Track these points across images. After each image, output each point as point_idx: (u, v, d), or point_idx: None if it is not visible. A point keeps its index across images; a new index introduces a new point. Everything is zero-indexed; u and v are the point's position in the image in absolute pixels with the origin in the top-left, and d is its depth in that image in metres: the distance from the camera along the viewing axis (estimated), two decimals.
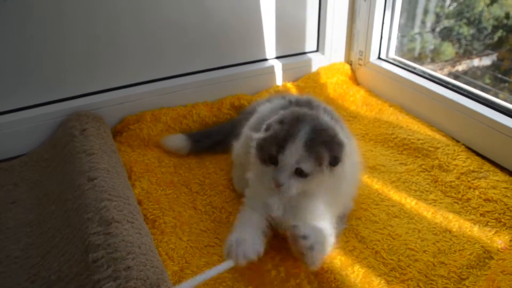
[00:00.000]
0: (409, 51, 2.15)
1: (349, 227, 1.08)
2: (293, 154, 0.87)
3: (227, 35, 1.50)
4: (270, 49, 1.60)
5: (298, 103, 1.14)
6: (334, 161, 0.90)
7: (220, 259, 1.00)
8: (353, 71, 1.74)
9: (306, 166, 0.88)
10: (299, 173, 0.89)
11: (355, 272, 0.96)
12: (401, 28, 1.66)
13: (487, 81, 2.26)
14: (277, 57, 1.64)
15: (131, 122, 1.37)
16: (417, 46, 2.20)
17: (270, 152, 0.89)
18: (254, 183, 1.00)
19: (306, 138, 0.87)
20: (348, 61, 1.76)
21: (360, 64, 1.70)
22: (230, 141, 1.22)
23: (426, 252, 1.01)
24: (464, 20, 2.22)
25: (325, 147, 0.88)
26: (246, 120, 1.19)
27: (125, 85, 1.42)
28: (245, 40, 1.54)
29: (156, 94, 1.42)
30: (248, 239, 0.89)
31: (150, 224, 1.06)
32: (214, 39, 1.49)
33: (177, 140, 1.33)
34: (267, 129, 0.93)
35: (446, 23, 2.26)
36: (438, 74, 1.49)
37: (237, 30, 1.50)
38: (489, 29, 2.24)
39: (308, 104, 1.13)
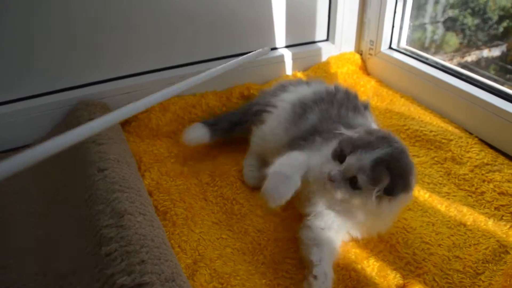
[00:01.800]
0: (419, 41, 2.13)
1: None
2: (360, 161, 0.85)
3: (237, 24, 1.48)
4: (280, 38, 1.58)
5: (346, 94, 1.15)
6: (389, 191, 0.86)
7: (233, 251, 0.99)
8: (363, 61, 1.72)
9: (362, 180, 0.85)
10: (353, 183, 0.87)
11: (371, 266, 0.95)
12: (413, 18, 1.63)
13: (493, 72, 2.24)
14: (287, 46, 1.62)
15: (140, 112, 1.35)
16: (428, 36, 2.18)
17: (345, 149, 0.89)
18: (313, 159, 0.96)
19: (379, 158, 0.85)
20: (359, 51, 1.73)
21: (370, 54, 1.67)
22: (248, 123, 1.23)
23: (441, 246, 1.00)
24: (469, 10, 2.19)
25: (390, 176, 0.85)
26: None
27: (133, 73, 1.40)
28: (255, 29, 1.52)
29: (165, 83, 1.39)
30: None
31: (162, 216, 1.05)
32: (224, 27, 1.46)
33: (196, 130, 1.25)
34: (356, 132, 0.92)
35: (450, 13, 2.24)
36: (450, 65, 1.47)
37: (247, 18, 1.47)
38: (494, 19, 2.22)
39: (355, 98, 1.15)
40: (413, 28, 2.08)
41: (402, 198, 0.88)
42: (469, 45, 2.25)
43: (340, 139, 0.92)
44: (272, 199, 0.87)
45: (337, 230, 0.96)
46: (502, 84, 1.33)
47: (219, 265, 0.94)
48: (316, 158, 0.95)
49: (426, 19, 2.11)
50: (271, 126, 1.15)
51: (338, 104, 1.09)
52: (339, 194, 0.88)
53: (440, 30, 2.25)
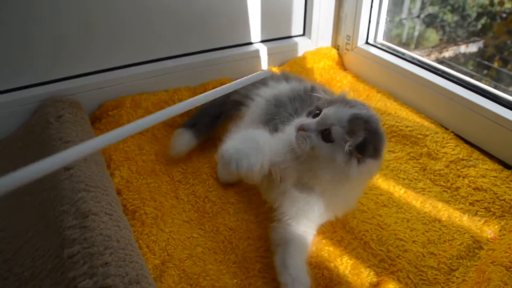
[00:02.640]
0: (397, 37, 2.13)
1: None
2: (337, 113, 0.84)
3: (210, 18, 1.44)
4: (255, 33, 1.55)
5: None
6: (361, 149, 0.83)
7: (204, 251, 0.96)
8: (340, 56, 1.70)
9: (335, 132, 0.83)
10: (325, 136, 0.84)
11: (344, 264, 0.93)
12: (389, 13, 1.62)
13: (471, 67, 2.25)
14: (262, 41, 1.59)
15: (110, 108, 1.31)
16: (405, 32, 2.18)
17: (321, 107, 0.87)
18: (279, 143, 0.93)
19: (355, 116, 0.83)
20: (335, 46, 1.72)
21: (347, 49, 1.66)
22: (230, 112, 1.21)
23: (416, 242, 0.99)
24: (448, 7, 2.20)
25: (365, 132, 0.83)
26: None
27: (104, 69, 1.35)
28: (229, 23, 1.48)
29: (136, 78, 1.36)
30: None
31: (130, 215, 1.02)
32: (197, 22, 1.42)
33: (182, 138, 1.20)
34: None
35: (430, 9, 2.24)
36: (427, 60, 1.46)
37: (220, 12, 1.44)
38: (473, 16, 2.23)
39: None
40: (394, 25, 2.08)
41: (371, 165, 0.85)
42: (449, 41, 2.26)
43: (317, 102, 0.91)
44: (238, 163, 0.81)
45: (305, 220, 0.94)
46: (479, 80, 1.32)
47: (189, 265, 0.91)
48: (280, 137, 0.94)
49: (406, 15, 2.11)
50: (247, 125, 1.12)
51: (312, 102, 1.06)
52: (308, 144, 0.84)
53: (420, 26, 2.26)
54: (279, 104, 1.07)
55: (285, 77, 1.21)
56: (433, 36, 2.38)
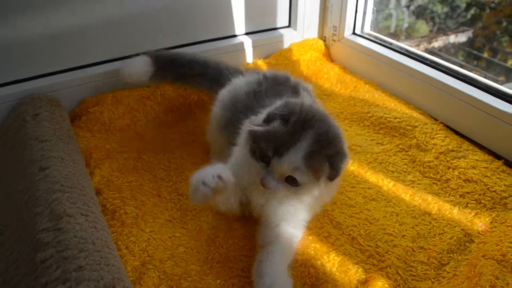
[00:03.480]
0: (385, 28, 2.10)
1: (324, 212, 1.02)
2: (290, 163, 0.79)
3: (192, 10, 1.40)
4: (240, 25, 1.51)
5: (275, 79, 1.08)
6: (333, 176, 0.82)
7: (187, 250, 0.93)
8: (327, 47, 1.66)
9: (300, 178, 0.80)
10: (291, 181, 0.81)
11: (331, 261, 0.90)
12: (376, 3, 1.59)
13: (461, 57, 2.23)
14: (247, 33, 1.55)
15: (91, 105, 1.27)
16: (393, 23, 2.15)
17: (265, 151, 0.81)
18: (237, 165, 0.91)
19: (309, 149, 0.78)
20: (322, 37, 1.68)
21: (334, 40, 1.62)
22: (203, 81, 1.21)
23: (405, 237, 0.96)
24: None
25: (327, 161, 0.80)
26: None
27: (84, 65, 1.31)
28: (213, 15, 1.45)
29: (117, 74, 1.31)
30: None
31: (110, 215, 0.98)
32: (179, 14, 1.39)
33: (138, 64, 1.21)
34: (267, 121, 0.83)
35: (420, 1, 2.22)
36: (415, 50, 1.43)
37: (203, 5, 1.40)
38: (463, 7, 2.21)
39: (286, 81, 1.08)
40: (383, 15, 2.05)
41: (344, 168, 0.84)
42: (439, 32, 2.24)
43: (251, 135, 0.84)
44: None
45: (292, 220, 0.91)
46: (470, 70, 1.30)
47: (170, 266, 0.88)
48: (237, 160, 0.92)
49: (393, 5, 2.08)
50: (210, 131, 1.14)
51: (263, 93, 1.04)
52: (281, 194, 0.84)
53: (409, 17, 2.23)
54: (235, 107, 1.05)
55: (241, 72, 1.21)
56: (423, 27, 2.36)
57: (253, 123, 0.86)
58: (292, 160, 0.78)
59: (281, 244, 0.87)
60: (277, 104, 0.88)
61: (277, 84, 1.06)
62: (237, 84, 1.11)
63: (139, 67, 1.21)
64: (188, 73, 1.24)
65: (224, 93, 1.11)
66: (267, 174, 0.81)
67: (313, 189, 0.84)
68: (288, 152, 0.78)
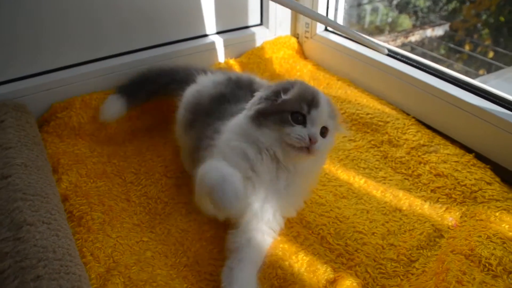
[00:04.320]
0: (359, 23, 2.10)
1: None
2: (324, 112, 0.86)
3: (163, 10, 1.38)
4: (210, 24, 1.50)
5: (238, 81, 1.09)
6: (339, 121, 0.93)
7: (154, 255, 0.92)
8: (300, 44, 1.65)
9: (331, 124, 0.88)
10: (323, 133, 0.87)
11: (299, 261, 0.90)
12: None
13: (442, 51, 2.24)
14: (218, 32, 1.53)
15: (59, 110, 1.25)
16: (367, 18, 2.15)
17: (300, 110, 0.85)
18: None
19: (327, 99, 0.89)
20: (295, 34, 1.67)
21: (307, 37, 1.61)
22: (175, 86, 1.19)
23: (375, 234, 0.96)
24: None
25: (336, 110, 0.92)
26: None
27: (51, 69, 1.28)
28: (182, 15, 1.43)
29: (86, 77, 1.29)
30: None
31: (76, 221, 0.96)
32: (149, 15, 1.36)
33: (112, 105, 1.21)
34: (283, 92, 0.87)
35: None
36: (387, 45, 1.43)
37: (171, 4, 1.38)
38: (444, 0, 2.22)
39: (249, 85, 1.07)
40: (355, 10, 2.05)
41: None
42: (421, 26, 2.24)
43: (274, 105, 0.86)
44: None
45: (263, 223, 0.91)
46: (450, 66, 1.30)
47: (135, 272, 0.86)
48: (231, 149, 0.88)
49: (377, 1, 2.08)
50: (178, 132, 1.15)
51: (227, 97, 1.04)
52: (320, 150, 0.85)
53: (387, 10, 2.24)
54: (197, 109, 1.05)
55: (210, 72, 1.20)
56: (406, 22, 2.36)
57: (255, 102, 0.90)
58: (326, 108, 0.86)
59: (252, 250, 0.88)
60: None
61: (239, 88, 1.06)
62: (203, 84, 1.11)
63: (115, 108, 1.21)
64: (159, 85, 1.24)
65: (188, 93, 1.11)
66: (311, 130, 0.84)
67: (331, 143, 0.92)
68: (321, 102, 0.86)
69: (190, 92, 1.11)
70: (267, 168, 0.86)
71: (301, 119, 0.85)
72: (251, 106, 0.89)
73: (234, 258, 0.86)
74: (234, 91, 1.05)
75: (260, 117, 0.86)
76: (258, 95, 0.90)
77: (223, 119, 0.94)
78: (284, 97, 0.86)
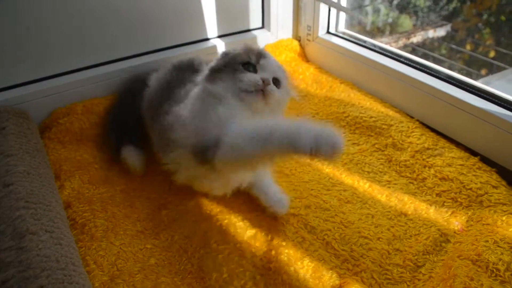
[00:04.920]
0: (362, 24, 2.09)
1: (298, 217, 1.00)
2: (273, 63, 0.96)
3: (164, 14, 1.38)
4: (211, 28, 1.49)
5: (180, 65, 1.15)
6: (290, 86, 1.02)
7: (158, 262, 0.91)
8: (302, 47, 1.65)
9: (281, 75, 0.96)
10: (276, 83, 0.94)
11: (305, 267, 0.89)
12: (352, 1, 1.57)
13: (443, 51, 2.23)
14: (220, 36, 1.53)
15: (61, 116, 1.25)
16: (369, 19, 2.14)
17: (249, 60, 0.93)
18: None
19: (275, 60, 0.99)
20: (297, 37, 1.66)
21: (309, 40, 1.60)
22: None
23: (380, 240, 0.95)
24: None
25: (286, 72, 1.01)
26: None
27: (52, 75, 1.28)
28: (184, 19, 1.42)
29: (87, 83, 1.29)
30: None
31: (79, 229, 0.96)
32: (150, 19, 1.36)
33: (136, 157, 1.14)
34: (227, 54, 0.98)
35: None
36: (390, 47, 1.42)
37: (174, 8, 1.38)
38: (444, 0, 2.21)
39: (191, 64, 1.14)
40: (366, 12, 2.04)
41: None
42: (422, 27, 2.23)
43: (227, 58, 0.96)
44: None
45: None
46: (451, 66, 1.29)
47: (139, 280, 0.85)
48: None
49: (372, 1, 2.07)
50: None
51: (173, 83, 1.08)
52: (275, 95, 0.91)
53: (394, 12, 2.23)
54: (151, 103, 1.09)
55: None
56: (406, 22, 2.35)
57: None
58: (273, 61, 0.96)
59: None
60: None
61: (181, 72, 1.10)
62: (150, 82, 1.15)
63: (139, 158, 1.15)
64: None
65: (147, 97, 1.13)
66: (261, 75, 0.91)
67: (287, 93, 1.00)
68: (267, 54, 0.97)
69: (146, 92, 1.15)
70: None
71: (252, 69, 0.93)
72: (204, 74, 0.97)
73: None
74: (178, 75, 1.09)
75: (214, 74, 0.94)
76: (209, 64, 0.99)
77: (177, 101, 0.97)
78: (233, 52, 0.96)
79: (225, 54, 0.98)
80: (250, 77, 0.90)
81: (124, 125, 1.20)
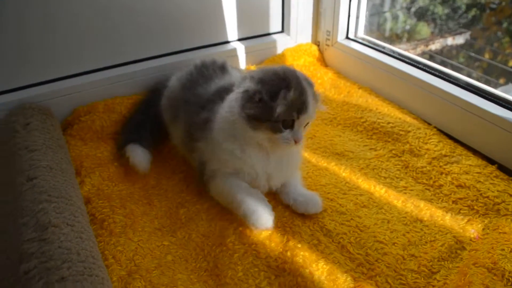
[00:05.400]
0: (383, 31, 2.09)
1: (314, 219, 1.01)
2: (310, 113, 0.92)
3: (184, 17, 1.40)
4: (232, 31, 1.51)
5: (203, 65, 1.17)
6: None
7: (175, 259, 0.93)
8: (320, 52, 1.66)
9: (313, 110, 0.94)
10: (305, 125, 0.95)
11: (320, 270, 0.89)
12: (370, 7, 1.58)
13: (461, 59, 2.22)
14: (240, 39, 1.55)
15: (82, 114, 1.27)
16: (387, 25, 2.14)
17: (291, 117, 0.90)
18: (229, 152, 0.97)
19: (311, 92, 0.93)
20: (316, 42, 1.67)
21: (327, 45, 1.61)
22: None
23: (396, 245, 0.95)
24: (439, 0, 2.17)
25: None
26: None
27: (75, 73, 1.31)
28: (205, 22, 1.44)
29: (109, 82, 1.32)
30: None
31: (98, 224, 0.98)
32: (171, 21, 1.38)
33: (142, 156, 1.15)
34: (270, 96, 0.88)
35: (421, 2, 2.21)
36: (408, 54, 1.42)
37: (195, 10, 1.40)
38: (463, 8, 2.20)
39: (213, 63, 1.18)
40: (375, 18, 2.04)
41: None
42: (439, 33, 2.23)
43: (269, 115, 0.89)
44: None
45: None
46: (469, 73, 1.29)
47: (156, 276, 0.87)
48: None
49: (391, 8, 2.07)
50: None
51: (196, 81, 1.12)
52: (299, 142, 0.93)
53: (406, 17, 2.22)
54: (175, 104, 1.14)
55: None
56: (424, 29, 2.35)
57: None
58: (311, 110, 0.92)
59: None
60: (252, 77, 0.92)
61: (205, 69, 1.13)
62: (172, 82, 1.19)
63: (145, 157, 1.16)
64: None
65: (168, 85, 1.19)
66: (297, 132, 0.92)
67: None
68: (309, 107, 0.91)
69: (169, 84, 1.19)
70: (256, 156, 0.97)
71: (290, 124, 0.91)
72: (240, 103, 0.92)
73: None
74: (201, 72, 1.12)
75: (253, 121, 0.91)
76: (244, 88, 0.92)
77: (205, 104, 1.03)
78: (275, 106, 0.87)
79: (263, 95, 0.89)
80: (285, 138, 0.91)
81: (135, 124, 1.24)
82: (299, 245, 0.94)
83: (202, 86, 1.10)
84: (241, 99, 0.91)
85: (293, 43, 1.63)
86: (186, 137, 1.07)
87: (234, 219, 1.01)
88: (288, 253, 0.92)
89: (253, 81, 0.90)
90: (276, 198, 1.06)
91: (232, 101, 0.95)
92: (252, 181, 0.99)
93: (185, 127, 1.07)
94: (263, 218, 0.92)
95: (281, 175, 1.03)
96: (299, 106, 0.90)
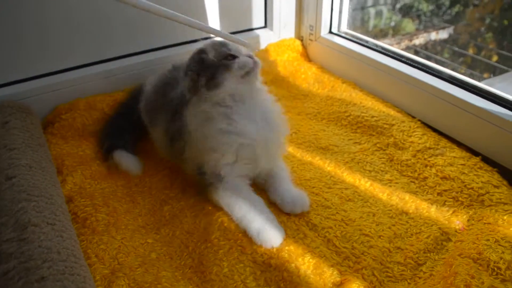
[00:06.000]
0: (363, 26, 2.09)
1: (300, 214, 1.00)
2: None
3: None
4: (214, 26, 1.49)
5: (176, 66, 1.17)
6: None
7: (159, 257, 0.91)
8: (304, 47, 1.65)
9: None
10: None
11: (306, 264, 0.88)
12: (355, 2, 1.57)
13: (446, 55, 2.23)
14: None
15: (63, 111, 1.25)
16: (371, 22, 2.14)
17: (229, 51, 0.97)
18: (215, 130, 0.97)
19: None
20: (299, 37, 1.67)
21: (311, 40, 1.61)
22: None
23: (382, 238, 0.95)
24: None
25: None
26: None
27: (55, 71, 1.29)
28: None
29: (90, 79, 1.30)
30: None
31: (81, 223, 0.96)
32: (150, 18, 1.35)
33: (130, 161, 1.15)
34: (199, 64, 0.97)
35: None
36: (391, 48, 1.42)
37: (174, 7, 1.37)
38: (447, 4, 2.22)
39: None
40: (357, 13, 2.04)
41: None
42: (426, 30, 2.24)
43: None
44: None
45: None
46: (454, 69, 1.29)
47: (140, 274, 0.86)
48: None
49: (374, 2, 2.08)
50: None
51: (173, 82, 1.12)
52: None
53: (390, 13, 2.23)
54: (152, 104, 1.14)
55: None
56: (409, 25, 2.36)
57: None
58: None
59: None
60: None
61: (178, 72, 1.11)
62: (146, 87, 1.18)
63: (134, 161, 1.16)
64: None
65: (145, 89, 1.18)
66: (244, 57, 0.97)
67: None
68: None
69: (144, 90, 1.18)
70: (240, 118, 0.97)
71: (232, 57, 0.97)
72: (189, 88, 0.97)
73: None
74: (174, 75, 1.13)
75: (209, 84, 0.95)
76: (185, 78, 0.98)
77: (176, 109, 1.04)
78: (207, 59, 0.96)
79: (201, 59, 0.98)
80: (240, 61, 0.96)
81: (119, 129, 1.22)
82: (284, 240, 0.94)
83: (174, 91, 1.09)
84: (187, 86, 0.97)
85: (276, 38, 1.62)
86: (172, 149, 1.08)
87: (219, 215, 1.00)
88: (274, 248, 0.91)
89: (181, 69, 1.01)
90: (263, 195, 1.04)
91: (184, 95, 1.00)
92: (253, 155, 0.99)
93: (167, 137, 1.08)
94: (273, 237, 0.92)
95: (274, 136, 1.02)
96: (226, 54, 0.97)
